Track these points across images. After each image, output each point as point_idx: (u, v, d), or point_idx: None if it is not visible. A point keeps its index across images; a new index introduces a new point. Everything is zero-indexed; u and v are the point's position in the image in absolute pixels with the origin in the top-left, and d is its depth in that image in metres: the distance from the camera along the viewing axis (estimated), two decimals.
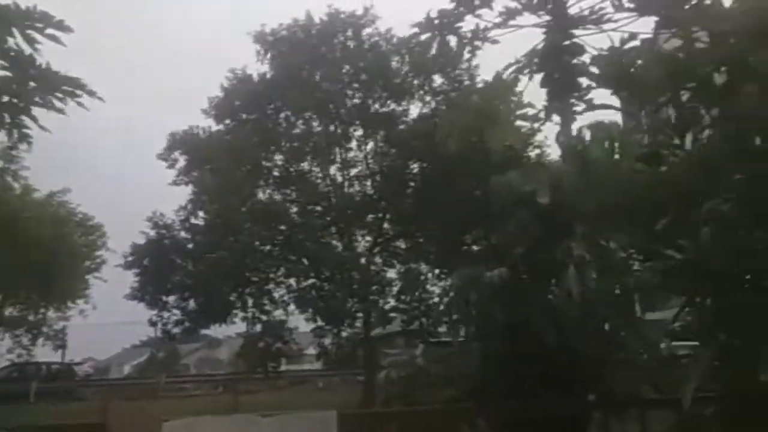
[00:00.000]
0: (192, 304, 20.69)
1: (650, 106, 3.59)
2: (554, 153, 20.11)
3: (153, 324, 21.54)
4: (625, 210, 3.87)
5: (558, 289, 5.72)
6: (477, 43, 10.40)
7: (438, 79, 21.66)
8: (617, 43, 10.02)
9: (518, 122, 11.28)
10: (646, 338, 5.21)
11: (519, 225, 6.23)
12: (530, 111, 10.92)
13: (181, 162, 21.59)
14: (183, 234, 20.85)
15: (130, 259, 20.75)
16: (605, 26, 11.17)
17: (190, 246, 20.63)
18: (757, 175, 3.27)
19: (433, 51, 10.11)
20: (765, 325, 3.06)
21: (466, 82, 21.30)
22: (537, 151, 19.62)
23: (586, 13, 9.93)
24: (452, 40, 9.99)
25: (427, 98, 21.91)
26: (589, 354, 5.67)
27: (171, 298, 20.83)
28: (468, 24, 9.71)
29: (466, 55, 13.09)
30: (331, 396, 23.76)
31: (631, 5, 9.57)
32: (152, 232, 20.84)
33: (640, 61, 3.57)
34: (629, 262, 4.50)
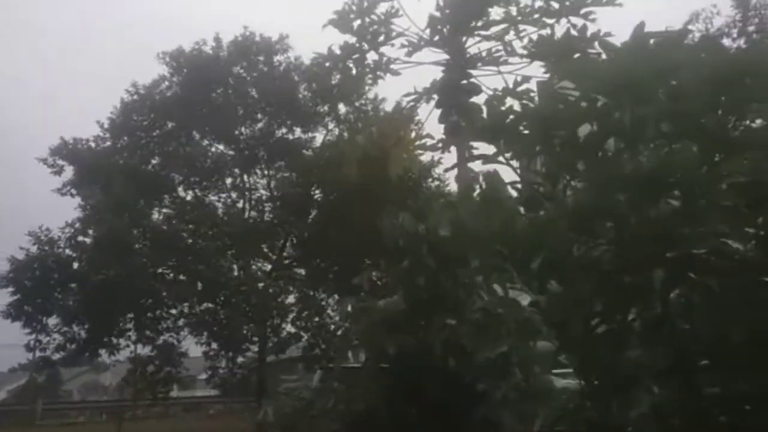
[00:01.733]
0: (78, 330, 19.55)
1: (524, 155, 3.79)
2: (453, 186, 20.86)
3: (30, 349, 20.19)
4: (504, 251, 4.03)
5: (457, 318, 5.80)
6: (379, 73, 10.70)
7: (343, 108, 21.91)
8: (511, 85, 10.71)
9: (417, 151, 11.65)
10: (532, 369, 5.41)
11: (415, 258, 6.35)
12: (429, 141, 11.34)
13: (69, 172, 20.51)
14: (68, 252, 19.70)
15: (10, 275, 19.35)
16: (504, 68, 11.91)
17: (75, 265, 19.54)
18: (621, 225, 3.50)
19: (335, 80, 10.29)
20: (611, 369, 3.29)
21: (371, 113, 21.66)
22: (436, 183, 20.17)
23: (483, 54, 10.49)
24: (354, 70, 10.22)
25: (331, 126, 22.14)
26: (479, 383, 5.76)
27: (52, 321, 19.60)
28: (371, 56, 9.99)
29: (368, 82, 13.40)
30: (222, 424, 23.01)
31: (524, 51, 10.26)
32: (34, 248, 19.58)
33: (517, 107, 3.76)
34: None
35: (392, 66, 10.46)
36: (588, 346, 3.41)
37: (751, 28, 22.04)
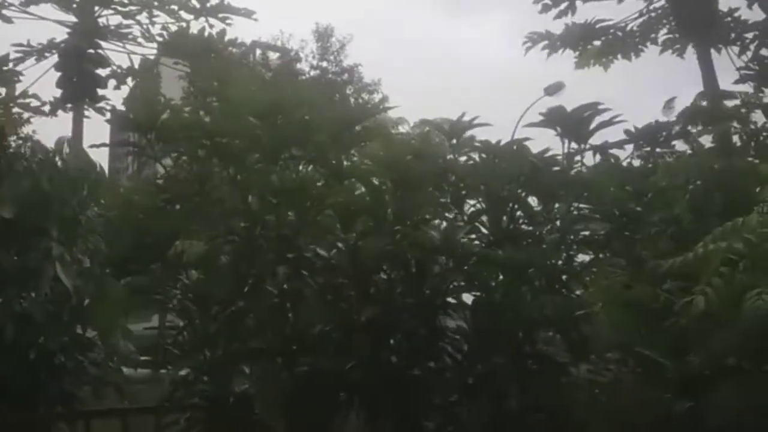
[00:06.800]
0: None
1: (172, 154, 4.14)
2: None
3: None
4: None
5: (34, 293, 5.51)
6: None
7: None
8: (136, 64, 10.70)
9: (17, 110, 10.52)
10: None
11: None
12: (34, 102, 10.39)
13: None
14: None
15: None
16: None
17: None
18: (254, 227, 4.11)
19: None
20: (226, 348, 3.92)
21: None
22: (19, 142, 18.10)
23: (112, 27, 10.17)
24: None
25: None
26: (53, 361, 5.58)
27: None
28: None
29: None
30: None
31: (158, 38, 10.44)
32: None
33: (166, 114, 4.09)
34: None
35: (4, 11, 9.31)
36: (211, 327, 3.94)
37: (325, 63, 24.16)
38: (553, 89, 20.31)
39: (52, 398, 5.41)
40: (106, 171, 6.45)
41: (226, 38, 9.99)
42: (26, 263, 5.42)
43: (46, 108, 9.61)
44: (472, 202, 4.37)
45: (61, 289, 4.63)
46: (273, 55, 21.95)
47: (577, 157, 4.33)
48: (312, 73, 21.45)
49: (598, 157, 4.47)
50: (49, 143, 5.18)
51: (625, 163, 4.73)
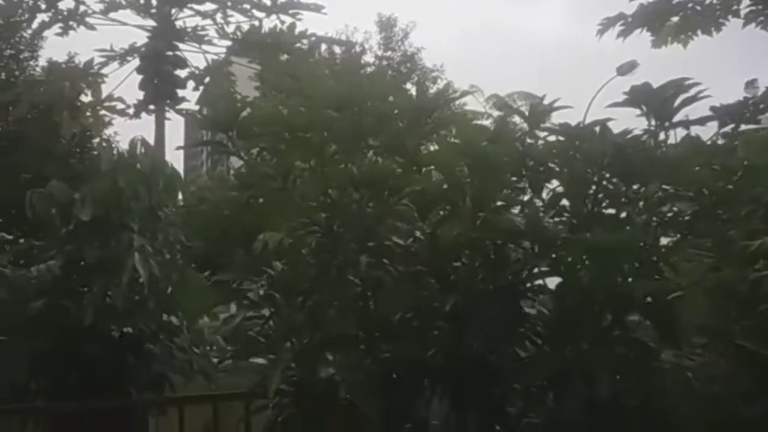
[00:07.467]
0: None
1: (252, 150, 4.25)
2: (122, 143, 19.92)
3: None
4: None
5: (117, 280, 5.71)
6: (72, 23, 9.94)
7: None
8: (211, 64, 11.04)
9: (103, 112, 11.06)
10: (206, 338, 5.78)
11: (66, 225, 6.10)
12: (119, 105, 10.95)
13: None
14: None
15: None
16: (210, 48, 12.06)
17: None
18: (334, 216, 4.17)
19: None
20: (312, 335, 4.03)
21: (25, 54, 19.71)
22: (104, 144, 19.06)
23: (189, 29, 10.60)
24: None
25: None
26: (142, 347, 5.80)
27: None
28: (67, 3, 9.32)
29: (57, 31, 12.13)
30: None
31: (232, 36, 10.77)
32: None
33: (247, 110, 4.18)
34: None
35: (89, 20, 9.83)
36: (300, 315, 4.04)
37: (389, 53, 24.11)
38: (626, 68, 19.58)
39: (143, 383, 5.68)
40: (182, 169, 6.62)
41: (297, 31, 10.19)
42: (109, 256, 5.72)
43: (131, 111, 10.11)
44: (549, 186, 4.30)
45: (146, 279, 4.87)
46: (338, 50, 22.13)
47: (662, 136, 4.18)
48: (377, 63, 21.52)
49: (679, 136, 4.31)
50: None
51: (709, 142, 4.54)
